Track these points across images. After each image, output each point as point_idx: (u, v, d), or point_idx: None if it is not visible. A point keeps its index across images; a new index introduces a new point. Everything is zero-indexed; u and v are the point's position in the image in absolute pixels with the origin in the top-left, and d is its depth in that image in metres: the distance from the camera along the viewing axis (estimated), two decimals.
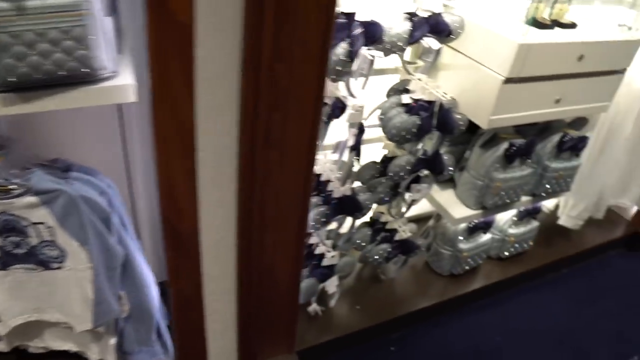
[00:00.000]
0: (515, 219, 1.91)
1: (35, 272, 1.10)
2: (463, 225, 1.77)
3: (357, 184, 1.57)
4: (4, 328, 1.16)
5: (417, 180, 1.52)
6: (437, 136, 1.46)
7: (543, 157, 1.68)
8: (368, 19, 1.13)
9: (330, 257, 1.54)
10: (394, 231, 1.70)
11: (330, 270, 1.59)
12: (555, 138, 1.66)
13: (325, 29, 0.90)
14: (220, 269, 1.23)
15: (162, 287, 1.32)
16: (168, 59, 0.84)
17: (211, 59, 0.88)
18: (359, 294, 1.80)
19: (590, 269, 2.19)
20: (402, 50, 1.32)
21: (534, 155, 1.67)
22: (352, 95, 1.26)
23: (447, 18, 1.32)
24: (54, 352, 1.30)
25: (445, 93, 1.38)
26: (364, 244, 1.70)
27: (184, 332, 1.30)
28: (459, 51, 1.47)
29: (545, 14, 1.42)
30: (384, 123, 1.42)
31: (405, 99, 1.43)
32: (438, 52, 1.38)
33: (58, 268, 1.10)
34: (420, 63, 1.49)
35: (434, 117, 1.37)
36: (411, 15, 1.28)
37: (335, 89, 1.28)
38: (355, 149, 1.28)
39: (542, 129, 1.69)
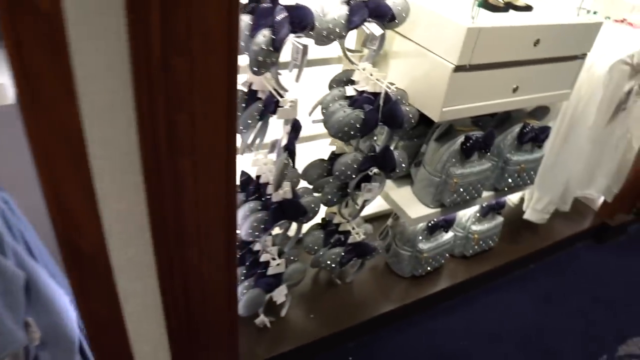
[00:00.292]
0: (478, 215, 1.81)
1: None
2: (422, 225, 1.66)
3: (305, 184, 1.45)
4: None
5: (367, 179, 1.40)
6: (386, 131, 1.34)
7: (503, 149, 1.58)
8: (293, 3, 1.00)
9: (276, 266, 1.42)
10: (347, 233, 1.59)
11: (277, 279, 1.46)
12: (516, 129, 1.56)
13: (229, 14, 0.77)
14: (140, 286, 1.09)
15: None
16: (33, 54, 0.70)
17: (90, 53, 0.74)
18: (314, 300, 1.68)
19: (558, 263, 2.11)
20: (342, 37, 1.19)
21: (493, 148, 1.57)
22: (282, 88, 1.13)
23: (389, 1, 1.19)
24: None
25: (391, 84, 1.27)
26: (316, 247, 1.59)
27: (106, 357, 1.16)
28: (407, 37, 1.35)
29: None
30: (326, 118, 1.29)
31: (349, 90, 1.31)
32: (382, 38, 1.26)
33: None
34: (366, 51, 1.37)
35: (379, 110, 1.25)
36: None
37: (268, 82, 1.15)
38: (288, 149, 1.15)
39: (501, 120, 1.59)
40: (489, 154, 1.53)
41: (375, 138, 1.41)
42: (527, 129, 1.55)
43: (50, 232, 0.92)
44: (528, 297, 1.92)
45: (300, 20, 1.01)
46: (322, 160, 1.46)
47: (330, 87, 1.35)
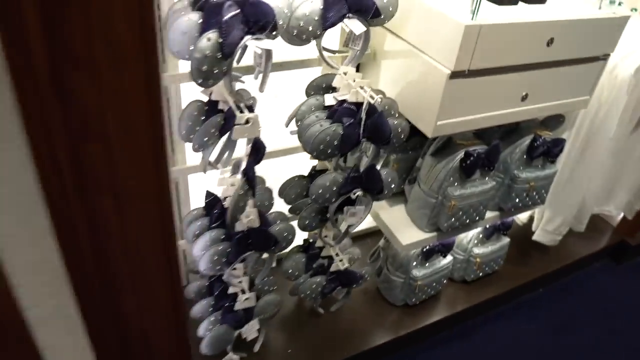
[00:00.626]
0: (481, 236, 1.61)
1: None
2: (417, 249, 1.46)
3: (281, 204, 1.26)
4: None
5: (351, 201, 1.20)
6: (372, 148, 1.14)
7: (511, 165, 1.37)
8: None
9: (244, 300, 1.23)
10: (332, 259, 1.39)
11: (247, 313, 1.28)
12: (525, 142, 1.35)
13: (141, 15, 0.58)
14: (70, 342, 0.91)
15: None
16: None
17: None
18: (293, 331, 1.49)
19: (571, 287, 1.90)
20: (317, 36, 0.99)
21: (499, 163, 1.36)
22: (240, 101, 0.93)
23: None
24: None
25: (379, 91, 1.07)
26: (296, 273, 1.39)
27: None
28: (398, 35, 1.15)
29: None
30: (300, 132, 1.10)
31: (328, 99, 1.11)
32: (366, 37, 1.06)
33: None
34: (350, 52, 1.16)
35: (362, 124, 1.05)
36: None
37: (229, 94, 0.95)
38: (247, 176, 0.95)
39: (508, 131, 1.38)
40: (493, 171, 1.33)
41: (358, 154, 1.21)
42: (538, 142, 1.34)
43: None
44: (536, 327, 1.72)
45: (257, 19, 0.81)
46: (302, 177, 1.27)
47: (308, 94, 1.15)
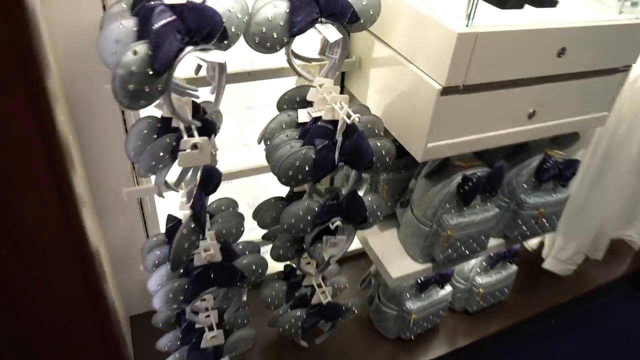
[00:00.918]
0: (485, 264, 1.45)
1: None
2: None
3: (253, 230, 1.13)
4: None
5: (330, 229, 1.05)
6: (353, 172, 0.99)
7: (517, 189, 1.21)
8: (183, 1, 0.66)
9: (210, 339, 1.09)
10: (313, 289, 1.25)
11: (217, 351, 1.14)
12: (534, 163, 1.19)
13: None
14: None
15: None
16: None
17: None
18: None
19: (587, 317, 1.72)
20: (284, 44, 0.86)
21: (504, 185, 1.21)
22: (186, 121, 0.80)
23: None
24: None
25: (359, 107, 0.93)
26: (276, 302, 1.25)
27: None
28: (385, 42, 1.00)
29: None
30: (269, 153, 0.96)
31: (302, 115, 0.97)
32: (344, 45, 0.91)
33: None
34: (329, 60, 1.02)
35: (338, 146, 0.91)
36: None
37: (172, 113, 0.82)
38: (194, 212, 0.80)
39: (514, 150, 1.22)
40: (496, 196, 1.17)
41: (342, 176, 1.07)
42: (549, 164, 1.18)
43: None
44: None
45: (198, 26, 0.67)
46: (279, 199, 1.13)
47: (280, 108, 1.01)
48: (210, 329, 1.11)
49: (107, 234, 1.23)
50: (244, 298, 1.14)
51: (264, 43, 0.83)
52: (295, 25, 0.82)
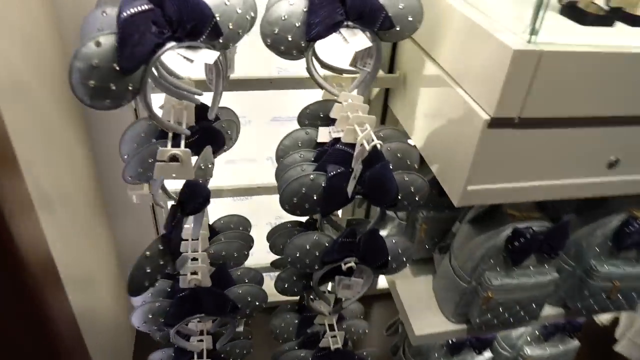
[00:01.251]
0: (538, 333, 1.20)
1: None
2: None
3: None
4: None
5: (342, 270, 0.90)
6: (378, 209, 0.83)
7: (587, 252, 0.97)
8: None
9: None
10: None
11: None
12: (612, 223, 0.95)
13: None
14: None
15: None
16: None
17: None
18: None
19: None
20: (301, 50, 0.72)
21: (570, 244, 0.98)
22: (169, 128, 0.69)
23: None
24: None
25: (395, 130, 0.77)
26: (285, 336, 1.12)
27: None
28: (432, 58, 0.84)
29: None
30: (277, 173, 0.83)
31: (322, 134, 0.83)
32: (377, 56, 0.76)
33: None
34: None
35: (357, 175, 0.75)
36: None
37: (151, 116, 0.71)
38: (165, 236, 0.68)
39: (588, 204, 0.99)
40: (557, 258, 0.95)
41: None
42: (633, 227, 0.93)
43: None
44: None
45: (180, 19, 0.56)
46: (296, 225, 1.00)
47: (301, 123, 0.88)
48: (200, 356, 0.99)
49: (117, 236, 1.17)
50: (240, 329, 1.01)
51: (276, 46, 0.71)
52: (313, 27, 0.68)
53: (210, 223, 1.00)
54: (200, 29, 0.58)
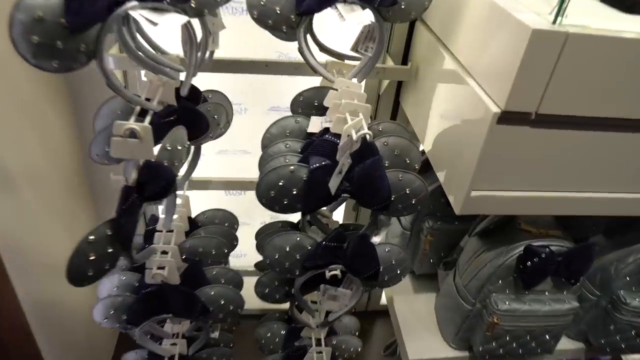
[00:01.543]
0: None
1: None
2: None
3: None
4: None
5: (327, 278, 0.80)
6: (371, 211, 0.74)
7: (615, 281, 0.85)
8: None
9: None
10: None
11: None
12: None
13: None
14: None
15: None
16: None
17: None
18: None
19: None
20: (290, 24, 0.64)
21: (596, 273, 0.85)
22: (131, 102, 0.61)
23: None
24: None
25: (396, 124, 0.68)
26: (271, 347, 1.03)
27: None
28: (446, 47, 0.74)
29: None
30: (260, 163, 0.75)
31: (314, 123, 0.75)
32: (380, 39, 0.67)
33: None
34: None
35: (343, 170, 0.66)
36: None
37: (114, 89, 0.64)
38: (115, 220, 0.60)
39: (619, 224, 0.86)
40: (577, 284, 0.82)
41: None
42: None
43: None
44: None
45: None
46: (287, 224, 0.92)
47: (294, 111, 0.79)
48: None
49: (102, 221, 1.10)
50: (216, 335, 0.93)
51: (264, 20, 0.63)
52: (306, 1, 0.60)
53: (193, 216, 0.92)
54: None
